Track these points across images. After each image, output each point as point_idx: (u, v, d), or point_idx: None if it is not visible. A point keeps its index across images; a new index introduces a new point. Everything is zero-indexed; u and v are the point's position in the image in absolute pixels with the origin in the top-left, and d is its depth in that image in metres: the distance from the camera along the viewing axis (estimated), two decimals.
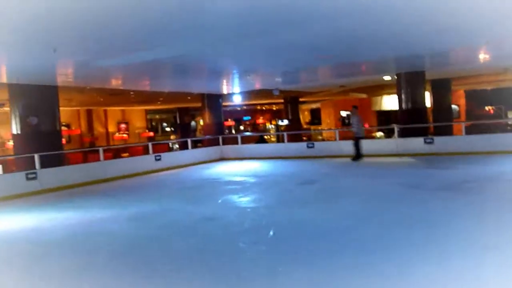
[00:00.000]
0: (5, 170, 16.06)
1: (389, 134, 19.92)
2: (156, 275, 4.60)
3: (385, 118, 24.97)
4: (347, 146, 15.28)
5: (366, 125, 26.46)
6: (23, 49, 8.14)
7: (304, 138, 24.42)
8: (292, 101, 28.40)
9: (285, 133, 18.12)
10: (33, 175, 10.87)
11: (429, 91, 20.45)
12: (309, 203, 7.96)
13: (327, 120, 31.66)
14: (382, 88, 23.04)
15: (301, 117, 32.70)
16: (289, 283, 4.15)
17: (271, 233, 5.94)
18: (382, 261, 4.55)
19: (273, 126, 40.27)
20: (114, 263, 5.18)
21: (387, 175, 10.90)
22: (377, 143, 16.92)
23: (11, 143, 17.67)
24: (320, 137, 27.31)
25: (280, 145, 19.06)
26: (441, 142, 14.08)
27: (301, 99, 29.37)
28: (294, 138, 21.62)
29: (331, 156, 15.02)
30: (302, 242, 5.48)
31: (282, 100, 29.14)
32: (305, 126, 34.93)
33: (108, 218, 7.70)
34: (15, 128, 12.53)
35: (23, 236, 6.74)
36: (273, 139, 31.01)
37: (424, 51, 11.78)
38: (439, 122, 19.20)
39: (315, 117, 35.27)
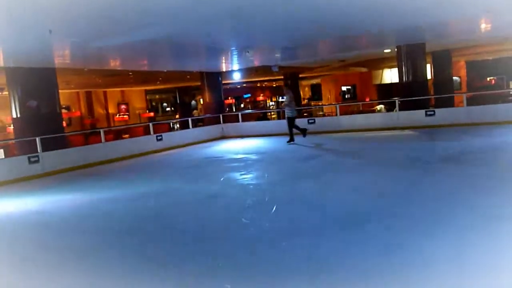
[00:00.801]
0: (7, 155, 16.11)
1: (390, 107, 19.81)
2: (161, 253, 4.66)
3: (386, 92, 24.81)
4: (349, 121, 15.24)
5: (367, 99, 26.35)
6: (18, 31, 8.05)
7: (305, 114, 24.32)
8: (291, 77, 28.20)
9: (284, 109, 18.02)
10: (35, 158, 10.90)
11: (429, 63, 20.27)
12: (311, 178, 8.00)
13: (328, 95, 31.50)
14: (382, 62, 22.83)
15: (301, 93, 32.53)
16: (293, 257, 4.19)
17: (274, 208, 5.97)
18: (384, 232, 4.59)
19: (273, 103, 40.11)
20: (119, 242, 5.24)
21: (389, 149, 10.91)
22: (378, 116, 16.86)
23: (12, 127, 17.68)
24: (320, 113, 27.18)
25: (281, 121, 18.99)
26: (442, 114, 14.02)
27: (301, 75, 29.16)
28: None
29: (332, 131, 15.01)
30: (305, 217, 5.52)
31: (282, 77, 28.94)
32: (305, 102, 34.77)
33: (111, 198, 7.76)
34: (15, 112, 12.51)
35: (27, 219, 6.80)
36: (274, 115, 30.91)
37: (424, 22, 11.61)
38: (440, 94, 19.09)
39: (316, 92, 35.08)
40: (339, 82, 30.25)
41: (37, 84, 12.50)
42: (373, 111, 21.65)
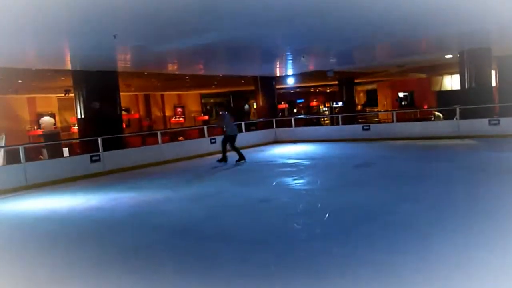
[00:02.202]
0: (70, 153, 17.03)
1: (448, 115, 18.97)
2: (211, 254, 4.72)
3: (446, 99, 23.80)
4: (405, 128, 14.78)
5: (425, 106, 25.41)
6: (85, 36, 8.49)
7: (360, 120, 23.86)
8: (346, 82, 27.74)
9: (339, 115, 17.80)
10: (97, 158, 11.43)
11: (494, 69, 19.22)
12: (365, 185, 7.82)
13: (384, 101, 30.71)
14: (443, 68, 21.94)
15: (356, 98, 31.93)
16: (344, 263, 4.10)
17: (327, 215, 5.88)
18: (441, 244, 4.39)
19: (327, 109, 39.66)
20: (173, 241, 5.36)
21: (447, 158, 10.45)
22: (437, 124, 16.21)
23: (76, 127, 18.67)
24: (376, 119, 26.54)
25: (335, 127, 18.76)
26: (508, 123, 13.24)
27: (356, 80, 28.62)
28: (349, 121, 21.21)
29: (388, 139, 14.60)
30: (358, 225, 5.39)
31: (336, 82, 28.55)
32: (359, 108, 34.10)
33: (166, 198, 7.97)
34: (79, 113, 13.19)
35: (88, 215, 7.13)
36: (327, 121, 30.56)
37: (491, 25, 11.02)
38: (506, 103, 18.04)
39: (371, 98, 34.28)
40: (396, 88, 29.42)
41: (100, 86, 13.12)
42: (430, 119, 20.84)
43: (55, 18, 6.79)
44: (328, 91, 39.46)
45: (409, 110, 24.63)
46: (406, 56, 16.91)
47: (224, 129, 12.00)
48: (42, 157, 16.57)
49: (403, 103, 28.77)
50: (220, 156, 12.06)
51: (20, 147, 10.52)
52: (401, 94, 29.04)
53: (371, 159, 11.18)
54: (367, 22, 9.17)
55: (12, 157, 14.06)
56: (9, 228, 6.76)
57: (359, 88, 34.89)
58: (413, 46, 14.09)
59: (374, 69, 22.29)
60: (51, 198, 8.81)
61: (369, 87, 34.05)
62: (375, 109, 31.29)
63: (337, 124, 17.61)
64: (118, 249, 5.20)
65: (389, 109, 27.14)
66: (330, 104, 38.57)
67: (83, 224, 6.60)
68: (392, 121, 15.75)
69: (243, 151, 12.10)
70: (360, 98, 36.65)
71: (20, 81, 15.45)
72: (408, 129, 14.97)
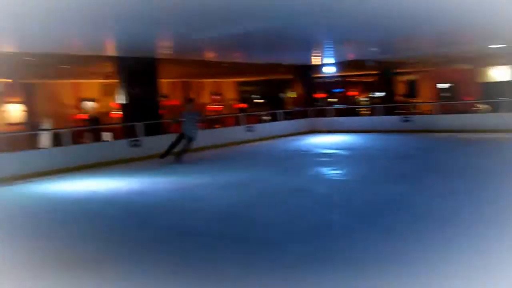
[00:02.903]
0: (111, 137, 17.50)
1: (495, 107, 18.21)
2: (249, 241, 4.76)
3: (492, 91, 22.84)
4: (447, 121, 14.33)
5: (468, 98, 24.49)
6: (129, 23, 8.65)
7: (399, 111, 23.28)
8: (386, 72, 27.07)
9: (378, 106, 17.44)
10: (137, 142, 11.72)
11: None
12: (405, 178, 7.65)
13: (424, 92, 29.81)
14: (490, 58, 21.01)
15: (396, 89, 31.11)
16: (383, 254, 4.04)
17: (365, 207, 5.81)
18: (484, 242, 4.25)
19: (365, 99, 38.92)
20: (212, 227, 5.43)
21: (494, 152, 10.06)
22: (481, 117, 15.61)
23: (117, 112, 19.15)
24: (416, 110, 25.82)
25: (374, 118, 18.40)
26: None
27: (396, 70, 27.89)
28: (388, 111, 20.74)
29: (429, 131, 14.19)
30: (398, 217, 5.30)
31: (376, 71, 27.92)
32: (400, 99, 33.24)
33: (203, 184, 8.08)
34: (120, 99, 13.52)
35: (130, 198, 7.34)
36: (366, 112, 29.99)
37: None
38: None
39: (412, 89, 33.35)
40: (438, 78, 28.46)
41: (141, 73, 13.36)
42: (475, 111, 20.08)
43: (101, 5, 6.93)
44: (367, 80, 38.69)
45: (452, 102, 23.80)
46: (451, 46, 16.29)
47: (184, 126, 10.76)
48: (84, 141, 17.12)
49: (444, 95, 27.81)
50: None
51: (65, 131, 10.90)
52: (443, 85, 28.08)
53: (412, 151, 10.93)
54: (409, 10, 8.86)
55: (57, 140, 14.63)
56: (53, 208, 7.03)
57: (399, 78, 33.99)
58: (458, 36, 13.55)
59: (416, 59, 21.63)
60: (94, 180, 9.11)
61: (410, 77, 33.13)
62: (416, 100, 30.44)
63: (376, 114, 17.26)
64: (162, 233, 5.31)
65: (431, 100, 26.32)
66: (368, 94, 37.81)
67: (125, 206, 6.79)
68: (434, 113, 15.28)
69: (279, 140, 12.05)
70: (400, 88, 35.73)
71: (65, 66, 15.94)
72: (450, 121, 14.50)
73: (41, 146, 18.19)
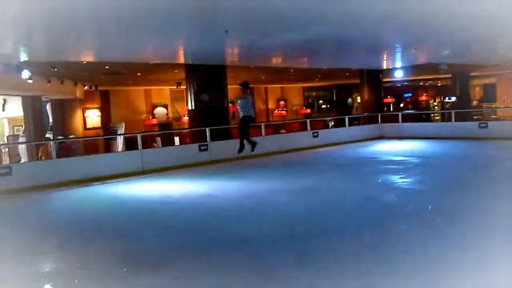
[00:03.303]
0: (180, 142, 18.13)
1: None
2: (316, 248, 4.69)
3: None
4: None
5: None
6: (199, 32, 8.94)
7: (475, 117, 21.99)
8: (461, 76, 25.69)
9: (452, 111, 16.55)
10: (205, 147, 12.02)
11: None
12: (485, 189, 7.16)
13: (504, 96, 27.86)
14: None
15: (471, 93, 29.44)
16: (457, 267, 3.80)
17: (439, 219, 5.52)
18: None
19: (437, 104, 37.16)
20: (280, 233, 5.42)
21: None
22: None
23: (186, 118, 19.82)
24: (494, 116, 24.23)
25: (446, 124, 17.52)
26: None
27: (471, 74, 26.37)
28: (462, 117, 19.63)
29: (509, 138, 13.21)
30: (474, 231, 4.96)
31: (449, 75, 26.58)
32: (475, 104, 31.38)
33: (270, 190, 8.09)
34: (190, 105, 13.96)
35: (199, 201, 7.49)
36: (438, 117, 28.65)
37: None
38: None
39: (489, 93, 31.35)
40: None
41: (210, 79, 13.73)
42: None
43: (172, 15, 7.22)
44: (439, 85, 36.93)
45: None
46: None
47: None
48: (155, 145, 17.89)
49: None
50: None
51: (137, 135, 11.45)
52: None
53: (489, 160, 10.24)
54: (490, 14, 8.33)
55: (130, 144, 15.39)
56: (130, 210, 7.37)
57: (475, 82, 32.10)
58: None
59: (494, 61, 20.31)
60: (165, 183, 9.46)
61: (487, 81, 31.17)
62: (494, 105, 28.57)
63: (449, 120, 16.39)
64: (232, 236, 5.38)
65: (510, 105, 24.58)
66: (441, 99, 36.12)
67: (196, 210, 6.96)
68: None
69: (346, 146, 11.80)
70: (475, 93, 33.74)
71: (138, 74, 16.78)
72: None
73: (115, 150, 19.30)
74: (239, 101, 10.00)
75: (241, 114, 9.96)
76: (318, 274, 4.03)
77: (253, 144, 10.10)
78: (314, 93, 35.36)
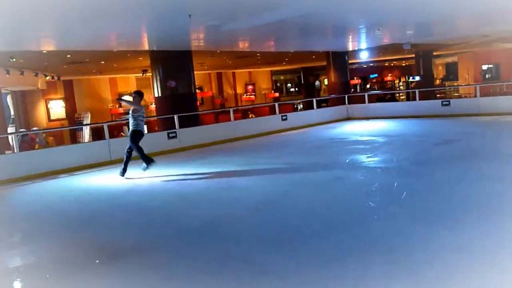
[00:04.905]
0: (149, 130, 17.86)
1: None
2: (286, 230, 4.76)
3: None
4: (490, 104, 13.79)
5: None
6: (161, 17, 8.76)
7: (438, 95, 22.60)
8: (424, 55, 26.27)
9: (416, 90, 16.95)
10: (174, 134, 11.91)
11: None
12: (447, 164, 7.42)
13: (465, 75, 28.74)
14: None
15: (434, 72, 30.19)
16: (425, 243, 3.95)
17: (404, 194, 5.69)
18: None
19: (402, 84, 37.96)
20: (250, 216, 5.48)
21: None
22: None
23: (153, 106, 19.52)
24: (456, 94, 24.97)
25: (411, 103, 17.96)
26: None
27: (435, 53, 27.01)
28: (426, 96, 20.14)
29: (470, 115, 13.66)
30: (440, 205, 5.15)
31: (413, 55, 27.13)
32: (438, 83, 32.23)
33: (239, 174, 8.12)
34: (156, 92, 13.75)
35: (168, 188, 7.49)
36: (403, 97, 29.29)
37: None
38: None
39: (451, 72, 32.26)
40: (479, 60, 27.36)
41: (176, 65, 13.52)
42: None
43: (133, 1, 7.05)
44: (403, 65, 37.70)
45: (495, 83, 22.82)
46: (494, 25, 15.57)
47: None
48: (123, 134, 17.57)
49: (487, 76, 26.74)
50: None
51: (104, 125, 11.22)
52: (485, 67, 26.97)
53: (452, 136, 10.58)
54: None
55: (96, 134, 15.06)
56: (97, 199, 7.27)
57: (438, 61, 32.93)
58: (505, 14, 12.90)
59: (455, 41, 20.84)
60: (132, 172, 9.33)
61: (449, 59, 32.02)
62: (455, 83, 29.42)
63: (414, 99, 16.80)
64: (202, 222, 5.39)
65: (472, 83, 25.36)
66: (406, 78, 36.92)
67: (163, 197, 6.94)
68: (475, 96, 14.70)
69: (314, 128, 11.95)
70: (438, 72, 34.63)
71: (102, 62, 16.36)
72: (493, 105, 13.89)
73: (81, 140, 18.87)
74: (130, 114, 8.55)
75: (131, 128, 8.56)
76: (284, 254, 4.11)
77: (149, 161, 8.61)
78: (282, 77, 35.46)
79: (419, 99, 16.12)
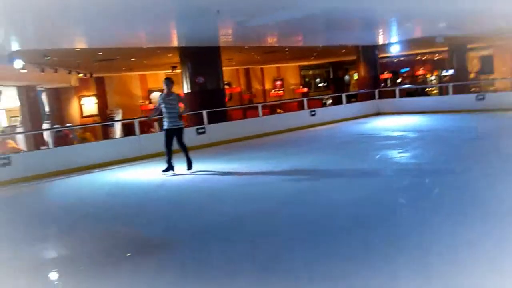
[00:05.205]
0: None
1: None
2: (314, 226, 4.73)
3: None
4: None
5: None
6: (190, 14, 8.83)
7: (473, 89, 21.92)
8: (458, 48, 25.51)
9: (449, 84, 16.50)
10: (202, 130, 12.01)
11: None
12: (480, 161, 7.19)
13: (502, 68, 27.73)
14: None
15: (468, 66, 29.29)
16: (454, 239, 3.85)
17: (436, 191, 5.56)
18: None
19: (434, 78, 37.01)
20: (278, 212, 5.48)
21: None
22: None
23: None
24: (492, 88, 24.12)
25: (444, 97, 17.46)
26: None
27: (469, 46, 26.18)
28: (460, 90, 19.56)
29: (506, 109, 13.18)
30: (473, 202, 5.00)
31: (446, 48, 26.38)
32: (473, 76, 31.25)
33: (267, 170, 8.10)
34: (186, 88, 13.88)
35: (195, 184, 7.55)
36: (435, 91, 28.55)
37: None
38: None
39: (486, 65, 31.18)
40: None
41: (204, 62, 13.62)
42: None
43: None
44: (436, 58, 36.73)
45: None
46: None
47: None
48: (153, 130, 17.85)
49: None
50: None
51: (135, 121, 11.42)
52: None
53: (486, 131, 10.26)
54: None
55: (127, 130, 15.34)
56: (130, 193, 7.42)
57: (472, 54, 31.91)
58: None
59: (492, 33, 20.12)
60: (163, 167, 9.46)
61: (484, 52, 30.97)
62: (491, 77, 28.46)
63: (447, 94, 16.35)
64: (230, 216, 5.42)
65: (508, 76, 24.47)
66: (438, 72, 35.99)
67: (192, 192, 7.02)
68: None
69: (343, 123, 11.82)
70: (473, 65, 33.57)
71: (133, 59, 16.64)
72: None
73: (113, 136, 19.28)
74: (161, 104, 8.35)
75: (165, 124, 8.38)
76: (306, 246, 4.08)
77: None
78: (310, 72, 35.15)
79: (452, 94, 15.68)
